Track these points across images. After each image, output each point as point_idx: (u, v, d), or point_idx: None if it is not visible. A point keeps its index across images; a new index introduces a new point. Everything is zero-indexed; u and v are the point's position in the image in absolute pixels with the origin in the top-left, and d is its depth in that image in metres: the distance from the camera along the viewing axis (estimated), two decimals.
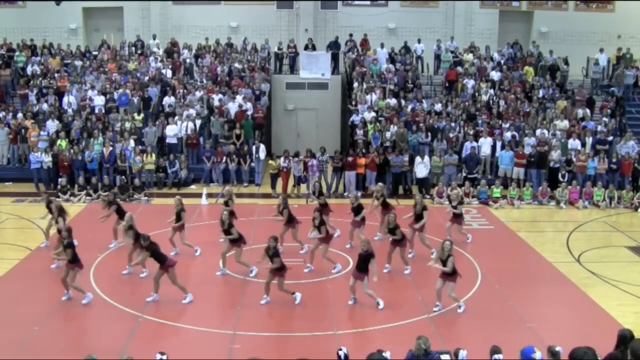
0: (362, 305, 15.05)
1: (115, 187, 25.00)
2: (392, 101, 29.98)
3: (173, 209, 18.20)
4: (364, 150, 26.50)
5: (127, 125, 27.67)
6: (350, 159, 25.75)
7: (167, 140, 27.79)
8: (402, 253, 17.14)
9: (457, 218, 19.74)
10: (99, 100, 29.21)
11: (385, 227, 17.36)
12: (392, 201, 22.43)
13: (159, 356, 9.64)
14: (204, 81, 31.14)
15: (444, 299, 14.86)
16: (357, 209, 18.84)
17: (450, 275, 14.46)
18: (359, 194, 22.14)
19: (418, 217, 18.13)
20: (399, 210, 19.45)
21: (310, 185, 25.54)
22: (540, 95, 30.80)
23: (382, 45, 33.96)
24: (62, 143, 26.40)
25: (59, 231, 16.63)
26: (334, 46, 33.69)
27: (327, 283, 16.34)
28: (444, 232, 19.50)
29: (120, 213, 18.43)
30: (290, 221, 18.41)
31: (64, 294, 15.08)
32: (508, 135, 27.46)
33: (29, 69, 31.69)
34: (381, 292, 15.06)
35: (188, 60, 32.97)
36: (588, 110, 29.66)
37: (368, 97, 30.03)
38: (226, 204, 19.38)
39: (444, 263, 14.40)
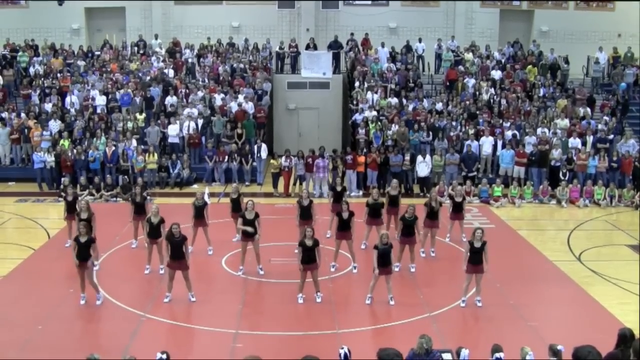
0: (364, 304, 15.09)
1: (118, 187, 25.15)
2: (394, 100, 29.98)
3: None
4: (365, 150, 26.54)
5: (130, 125, 27.71)
6: (349, 157, 25.82)
7: (169, 140, 27.85)
8: (412, 250, 17.19)
9: (457, 213, 19.64)
10: (101, 100, 29.25)
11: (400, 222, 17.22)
12: None
13: (159, 355, 9.56)
14: (206, 81, 31.20)
15: (448, 299, 14.96)
16: (376, 208, 18.53)
17: (480, 265, 14.74)
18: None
19: (432, 214, 18.19)
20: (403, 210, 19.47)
21: (311, 184, 25.68)
22: (541, 94, 30.79)
23: (383, 45, 33.97)
24: (65, 143, 26.48)
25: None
26: (335, 45, 33.72)
27: (329, 282, 16.35)
28: (445, 231, 19.70)
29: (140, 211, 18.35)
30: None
31: (97, 298, 15.04)
32: (509, 134, 27.48)
33: (31, 69, 31.77)
34: (384, 292, 15.07)
35: (190, 60, 33.01)
36: (589, 109, 29.69)
37: (369, 96, 30.08)
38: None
39: (479, 250, 14.66)
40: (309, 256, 14.88)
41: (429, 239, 18.53)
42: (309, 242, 14.84)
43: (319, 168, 25.42)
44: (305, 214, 18.02)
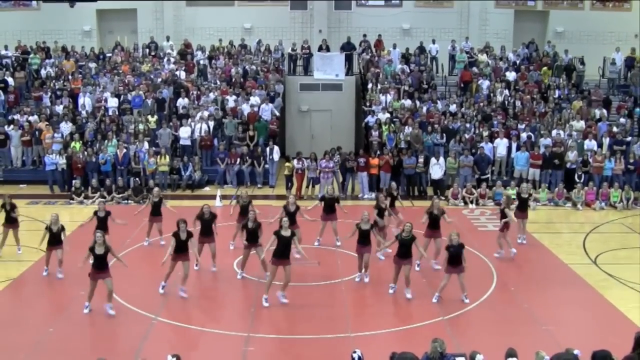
0: (376, 307, 15.02)
1: (130, 189, 25.11)
2: (407, 102, 29.85)
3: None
4: (378, 152, 26.40)
5: (141, 127, 27.70)
6: (362, 160, 25.70)
7: (181, 142, 27.78)
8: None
9: (523, 212, 19.95)
10: (112, 102, 29.25)
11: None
12: (406, 202, 22.34)
13: (170, 358, 9.62)
14: (218, 83, 31.13)
15: (462, 303, 14.93)
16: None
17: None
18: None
19: (435, 221, 17.36)
20: (411, 211, 19.32)
21: (323, 188, 25.53)
22: (556, 95, 30.56)
23: (395, 46, 33.83)
24: (76, 145, 26.47)
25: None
26: (347, 47, 33.57)
27: (341, 285, 16.25)
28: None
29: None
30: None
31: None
32: (524, 136, 27.26)
33: (43, 72, 31.83)
34: (397, 295, 14.97)
35: (202, 62, 32.95)
36: (605, 111, 29.39)
37: (382, 98, 29.93)
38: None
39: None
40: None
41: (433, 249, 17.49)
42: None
43: (322, 169, 25.31)
44: (292, 219, 17.47)
